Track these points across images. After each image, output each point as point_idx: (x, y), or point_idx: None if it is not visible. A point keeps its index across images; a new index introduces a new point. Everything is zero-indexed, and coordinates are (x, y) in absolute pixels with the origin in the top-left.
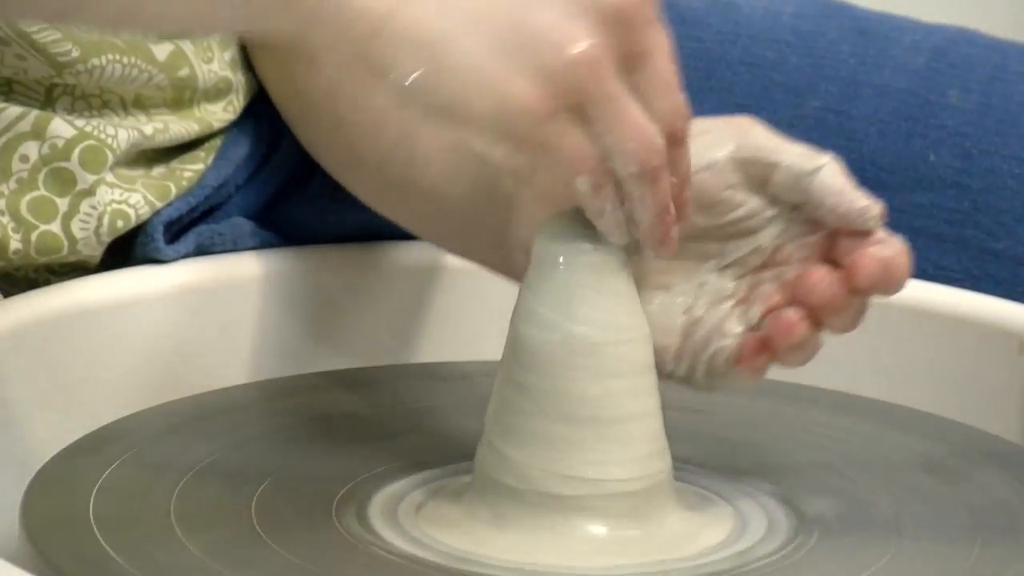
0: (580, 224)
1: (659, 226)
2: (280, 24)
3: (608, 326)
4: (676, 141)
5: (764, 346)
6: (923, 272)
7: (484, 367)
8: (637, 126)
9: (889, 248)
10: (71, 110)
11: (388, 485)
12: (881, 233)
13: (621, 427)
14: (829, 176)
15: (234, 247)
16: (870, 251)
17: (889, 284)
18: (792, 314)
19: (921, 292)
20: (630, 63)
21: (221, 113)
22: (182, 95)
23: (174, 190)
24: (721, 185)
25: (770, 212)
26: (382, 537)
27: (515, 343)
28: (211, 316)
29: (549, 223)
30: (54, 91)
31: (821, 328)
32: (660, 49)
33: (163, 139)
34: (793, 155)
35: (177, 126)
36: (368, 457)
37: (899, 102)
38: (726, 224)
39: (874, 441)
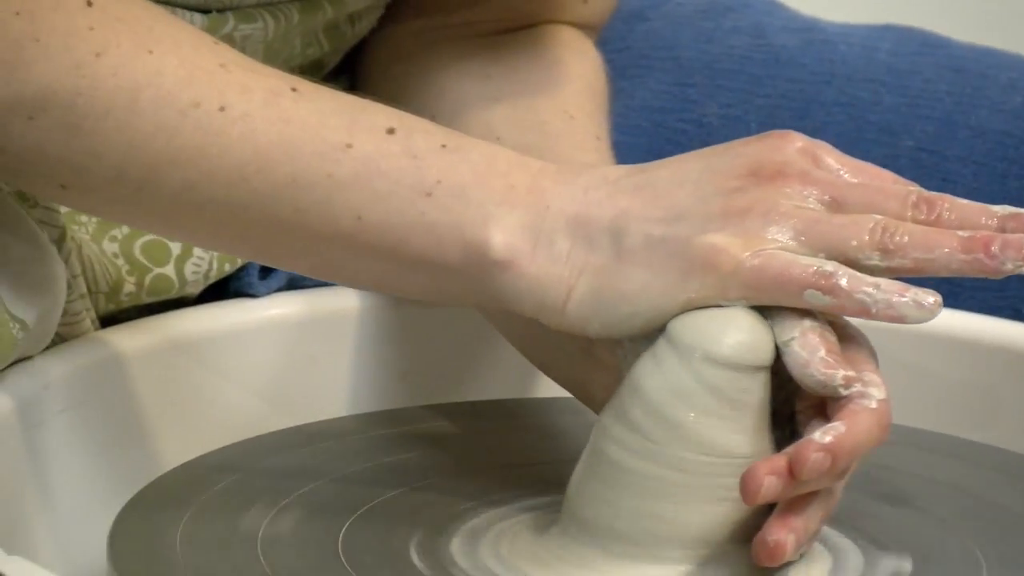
0: None
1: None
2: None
3: None
4: None
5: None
6: (1016, 312)
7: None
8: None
9: (835, 430)
10: None
11: (470, 520)
12: (856, 403)
13: None
14: (797, 348)
15: (325, 281)
16: (812, 441)
17: (835, 469)
18: (771, 536)
19: (1013, 331)
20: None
21: None
22: None
23: None
24: None
25: None
26: (462, 569)
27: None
28: (306, 349)
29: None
30: None
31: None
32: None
33: None
34: (780, 315)
35: None
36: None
37: (995, 143)
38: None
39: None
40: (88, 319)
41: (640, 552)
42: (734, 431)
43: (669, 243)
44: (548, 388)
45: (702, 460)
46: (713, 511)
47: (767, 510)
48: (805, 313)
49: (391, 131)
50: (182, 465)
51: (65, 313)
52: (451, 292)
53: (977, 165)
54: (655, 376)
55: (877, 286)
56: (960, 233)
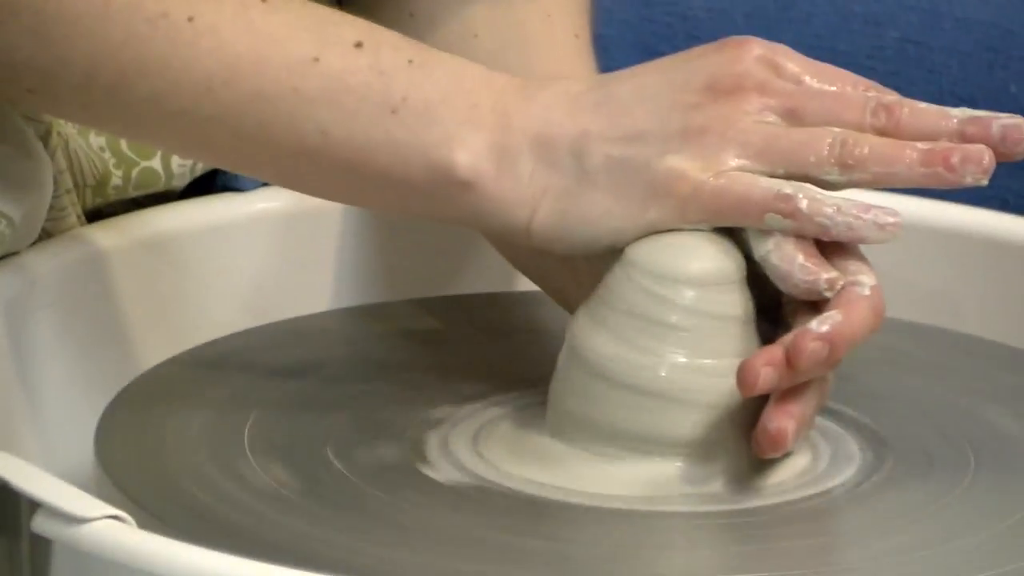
0: None
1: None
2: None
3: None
4: None
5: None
6: (1003, 202)
7: None
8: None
9: (832, 319)
10: None
11: (462, 411)
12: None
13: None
14: (775, 261)
15: None
16: (809, 330)
17: (833, 358)
18: (773, 424)
19: (1000, 222)
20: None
21: None
22: None
23: None
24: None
25: None
26: (460, 463)
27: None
28: (293, 243)
29: None
30: None
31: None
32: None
33: None
34: (751, 231)
35: None
36: (449, 382)
37: (980, 33)
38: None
39: (948, 370)
40: (74, 214)
41: (627, 453)
42: (717, 339)
43: (629, 166)
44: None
45: (687, 369)
46: (699, 416)
47: (753, 413)
48: None
49: (359, 45)
50: (168, 360)
51: (51, 208)
52: (417, 210)
53: (963, 56)
54: (627, 297)
55: (837, 208)
56: (920, 146)
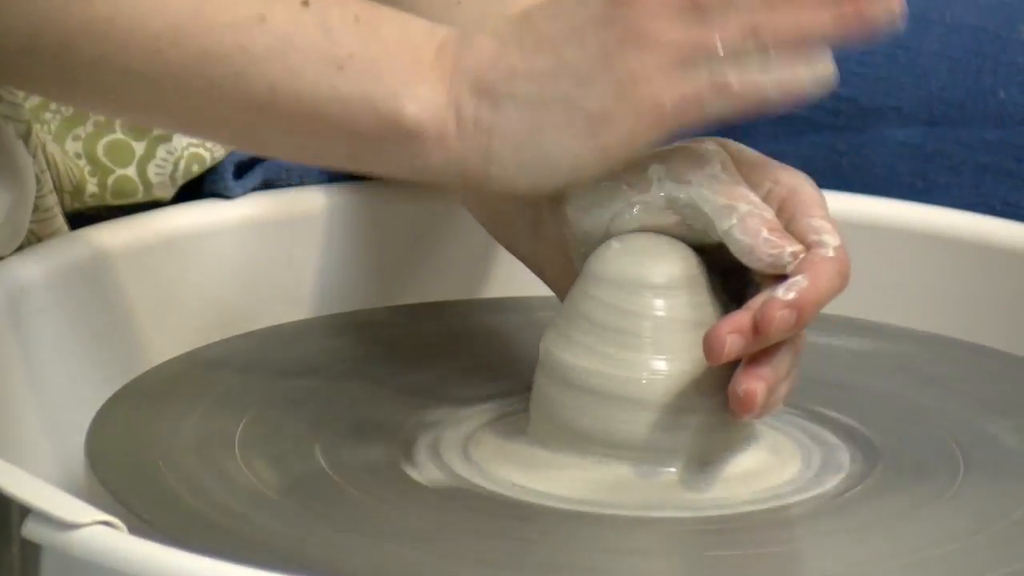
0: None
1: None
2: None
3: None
4: None
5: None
6: (991, 208)
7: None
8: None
9: (798, 285)
10: None
11: (456, 415)
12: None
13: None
14: (738, 235)
15: (300, 183)
16: (776, 298)
17: (801, 323)
18: (742, 386)
19: (988, 226)
20: None
21: None
22: None
23: None
24: (669, 225)
25: None
26: (449, 466)
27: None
28: (277, 249)
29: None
30: None
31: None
32: None
33: None
34: (712, 208)
35: None
36: (435, 390)
37: (969, 38)
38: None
39: (933, 373)
40: (61, 215)
41: (609, 458)
42: (688, 340)
43: (564, 101)
44: (519, 288)
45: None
46: (674, 418)
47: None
48: (737, 197)
49: (305, 3)
50: (159, 365)
51: (37, 209)
52: (372, 164)
53: (952, 61)
54: (589, 302)
55: (765, 70)
56: (828, 8)
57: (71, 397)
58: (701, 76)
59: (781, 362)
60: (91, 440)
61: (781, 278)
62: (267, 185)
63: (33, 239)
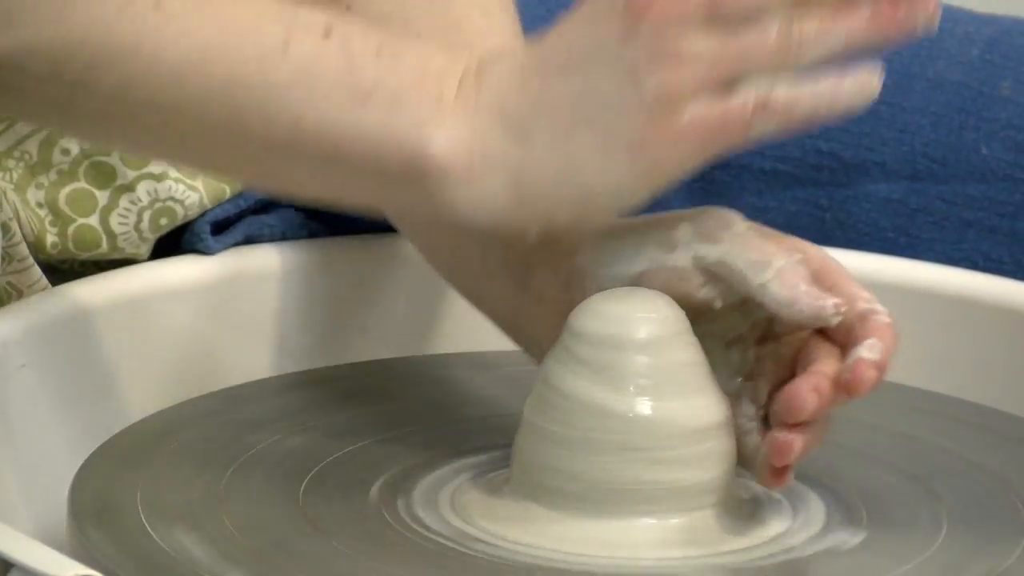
0: None
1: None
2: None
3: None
4: None
5: (776, 473)
6: (974, 264)
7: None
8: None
9: (878, 347)
10: None
11: (427, 474)
12: (871, 321)
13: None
14: (776, 288)
15: (283, 238)
16: (864, 359)
17: (870, 381)
18: (782, 434)
19: (973, 282)
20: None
21: None
22: None
23: (228, 191)
24: (692, 288)
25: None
26: (428, 526)
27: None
28: (230, 309)
29: None
30: None
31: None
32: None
33: None
34: (745, 263)
35: None
36: (404, 447)
37: (952, 94)
38: (718, 311)
39: (918, 431)
40: (36, 265)
41: (598, 509)
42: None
43: (596, 128)
44: (480, 342)
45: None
46: (669, 474)
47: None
48: (770, 252)
49: (328, 34)
50: (141, 420)
51: (11, 259)
52: (397, 201)
53: (935, 116)
54: (566, 368)
55: (806, 82)
56: (863, 9)
57: (51, 452)
58: (740, 92)
59: (818, 426)
60: (74, 495)
61: (824, 340)
62: (249, 241)
63: (12, 291)
